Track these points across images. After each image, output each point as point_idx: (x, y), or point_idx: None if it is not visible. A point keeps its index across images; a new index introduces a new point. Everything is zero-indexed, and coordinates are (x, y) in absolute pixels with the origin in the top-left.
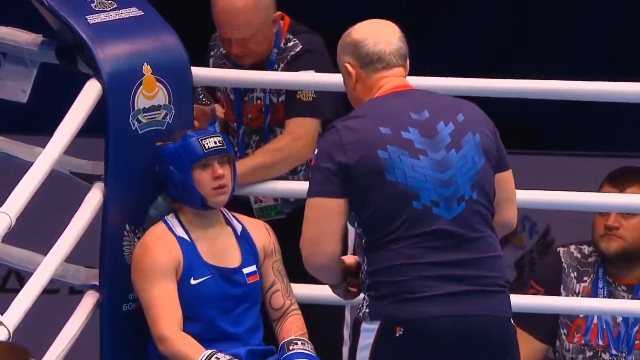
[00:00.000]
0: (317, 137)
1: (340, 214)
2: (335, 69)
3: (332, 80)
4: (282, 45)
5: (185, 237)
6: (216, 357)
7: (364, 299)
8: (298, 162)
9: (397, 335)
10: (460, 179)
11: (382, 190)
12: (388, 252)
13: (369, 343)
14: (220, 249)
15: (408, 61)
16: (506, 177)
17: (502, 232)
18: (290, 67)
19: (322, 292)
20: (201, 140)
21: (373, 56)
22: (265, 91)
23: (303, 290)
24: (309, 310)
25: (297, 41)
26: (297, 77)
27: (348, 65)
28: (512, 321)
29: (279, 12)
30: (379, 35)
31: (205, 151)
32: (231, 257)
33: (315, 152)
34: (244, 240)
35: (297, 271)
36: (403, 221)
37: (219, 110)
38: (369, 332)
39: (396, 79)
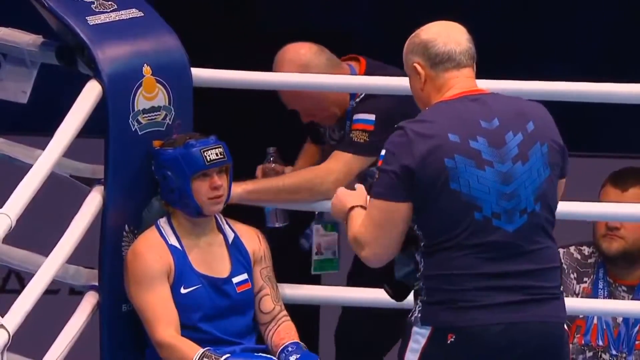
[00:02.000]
0: (354, 173)
1: (406, 218)
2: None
3: (337, 81)
4: (357, 99)
5: (177, 245)
6: (206, 356)
7: (416, 302)
8: (323, 197)
9: (449, 342)
10: (524, 192)
11: (444, 198)
12: (446, 260)
13: (418, 347)
14: (211, 257)
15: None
16: (560, 185)
17: None
18: (353, 110)
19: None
20: (203, 151)
21: (443, 55)
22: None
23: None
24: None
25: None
26: (304, 78)
27: (417, 66)
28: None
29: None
30: (449, 35)
31: (207, 163)
32: (221, 267)
33: (383, 152)
34: (235, 248)
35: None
36: (463, 230)
37: None
38: (419, 336)
39: (466, 80)
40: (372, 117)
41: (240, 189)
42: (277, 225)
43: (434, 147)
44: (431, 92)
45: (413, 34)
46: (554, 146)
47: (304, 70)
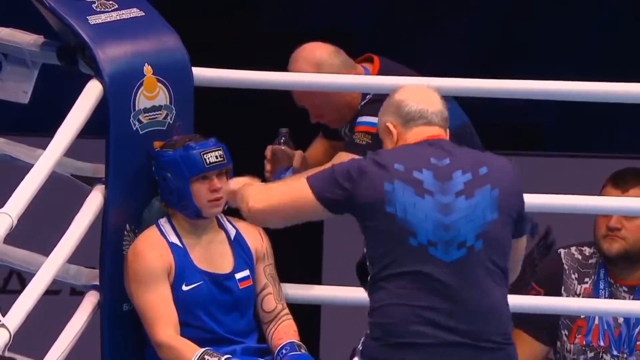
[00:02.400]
0: None
1: (313, 218)
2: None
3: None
4: (363, 102)
5: (178, 242)
6: (206, 358)
7: (365, 333)
8: None
9: None
10: (464, 226)
11: (381, 221)
12: (382, 291)
13: None
14: (213, 254)
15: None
16: (519, 243)
17: None
18: (358, 113)
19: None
20: (203, 154)
21: (415, 113)
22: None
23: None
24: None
25: (371, 95)
26: (307, 78)
27: (390, 125)
28: (512, 322)
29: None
30: (421, 96)
31: (207, 166)
32: (223, 263)
33: (345, 160)
34: (237, 244)
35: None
36: (398, 256)
37: (298, 161)
38: None
39: (433, 133)
40: (376, 119)
41: (233, 187)
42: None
43: (379, 173)
44: None
45: (388, 96)
46: (508, 197)
47: (317, 70)
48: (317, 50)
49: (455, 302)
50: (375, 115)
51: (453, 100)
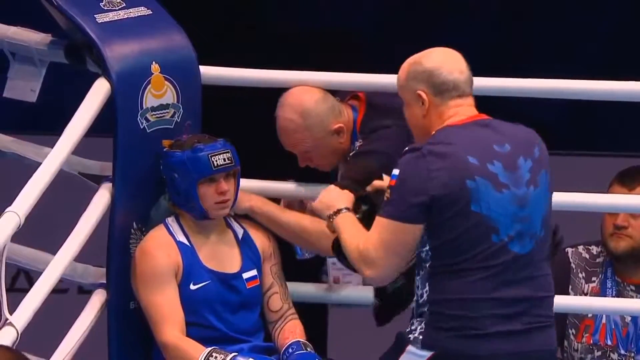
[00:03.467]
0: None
1: (417, 240)
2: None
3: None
4: (356, 143)
5: (185, 242)
6: (214, 355)
7: (417, 321)
8: (309, 249)
9: None
10: (535, 216)
11: (464, 219)
12: (456, 282)
13: None
14: (221, 253)
15: None
16: None
17: None
18: (347, 164)
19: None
20: (210, 156)
21: (449, 84)
22: None
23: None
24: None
25: (361, 142)
26: (311, 76)
27: (422, 93)
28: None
29: (339, 125)
30: (452, 63)
31: (214, 168)
32: (231, 262)
33: (396, 172)
34: (245, 244)
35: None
36: (479, 252)
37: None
38: (415, 356)
39: (469, 108)
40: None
41: (248, 204)
42: (306, 256)
43: (454, 168)
44: (434, 120)
45: (412, 61)
46: (551, 175)
47: (302, 118)
48: (304, 96)
49: (527, 290)
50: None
51: None
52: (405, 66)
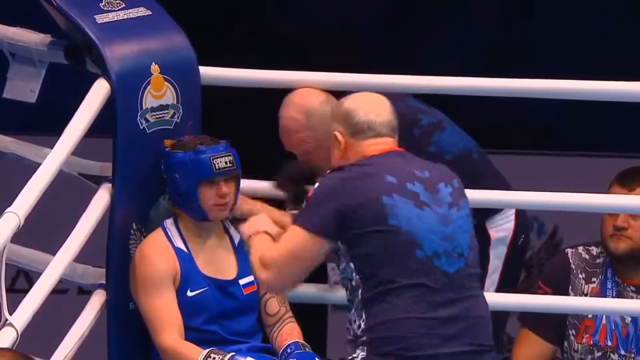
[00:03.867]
0: None
1: (320, 256)
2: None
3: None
4: None
5: (183, 248)
6: (212, 356)
7: (360, 348)
8: None
9: None
10: (461, 236)
11: (383, 234)
12: (389, 305)
13: None
14: (218, 259)
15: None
16: None
17: None
18: None
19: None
20: (212, 158)
21: (363, 125)
22: None
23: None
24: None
25: None
26: (312, 77)
27: (338, 134)
28: (520, 322)
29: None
30: (371, 106)
31: (215, 171)
32: (228, 269)
33: (316, 186)
34: (242, 250)
35: None
36: (404, 269)
37: None
38: None
39: (386, 145)
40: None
41: (246, 208)
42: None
43: (370, 184)
44: (352, 159)
45: (338, 102)
46: (470, 208)
47: (306, 118)
48: (308, 97)
49: (458, 311)
50: None
51: (454, 125)
52: (332, 107)
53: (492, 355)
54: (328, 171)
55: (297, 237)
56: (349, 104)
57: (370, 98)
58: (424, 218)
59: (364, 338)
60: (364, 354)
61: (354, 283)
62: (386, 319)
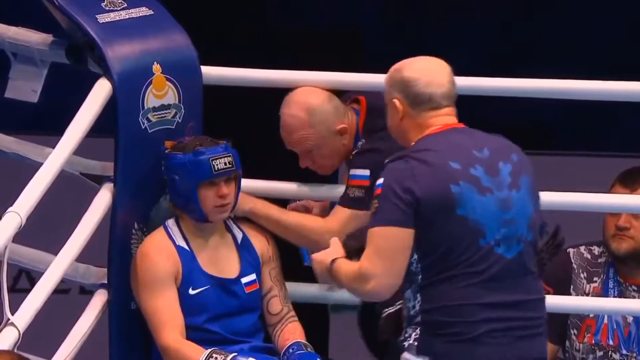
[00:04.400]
0: (353, 230)
1: (410, 246)
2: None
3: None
4: (359, 143)
5: (185, 246)
6: (214, 356)
7: (412, 329)
8: (312, 247)
9: None
10: (520, 219)
11: (450, 224)
12: (448, 290)
13: None
14: (220, 258)
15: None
16: None
17: None
18: (350, 164)
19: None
20: (212, 160)
21: (424, 97)
22: None
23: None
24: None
25: (364, 141)
26: (312, 76)
27: (396, 102)
28: None
29: (343, 125)
30: (431, 75)
31: (215, 172)
32: (230, 267)
33: (381, 180)
34: (244, 248)
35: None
36: (467, 258)
37: (317, 213)
38: None
39: (446, 117)
40: (367, 172)
41: (247, 207)
42: None
43: (437, 174)
44: (410, 128)
45: (396, 67)
46: (533, 180)
47: (309, 115)
48: (310, 95)
49: (517, 295)
50: (367, 167)
51: None
52: (390, 71)
53: (543, 339)
54: (387, 160)
55: (380, 237)
56: (408, 73)
57: (430, 65)
58: (486, 205)
59: (419, 319)
60: (417, 334)
61: (412, 268)
62: (442, 304)
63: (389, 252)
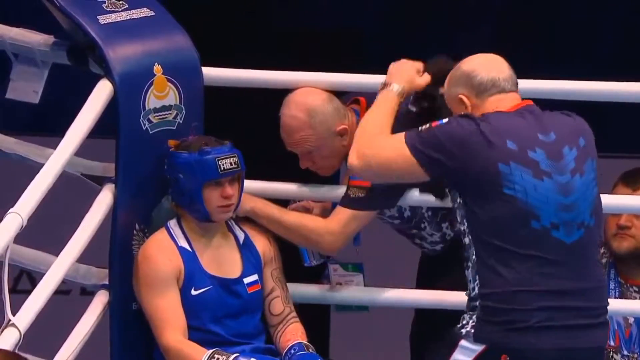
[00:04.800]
0: (354, 231)
1: (409, 181)
2: None
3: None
4: None
5: (187, 247)
6: (216, 357)
7: (469, 315)
8: (315, 249)
9: None
10: (582, 205)
11: (498, 201)
12: (502, 275)
13: None
14: (222, 258)
15: None
16: None
17: None
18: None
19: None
20: (218, 159)
21: (487, 83)
22: None
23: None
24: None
25: None
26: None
27: (463, 97)
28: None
29: (343, 126)
30: (490, 64)
31: (221, 172)
32: (232, 267)
33: (445, 121)
34: (246, 249)
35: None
36: (520, 238)
37: (318, 213)
38: (468, 350)
39: (514, 99)
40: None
41: (249, 206)
42: (314, 263)
43: (490, 149)
44: None
45: (454, 68)
46: (597, 163)
47: (309, 116)
48: (310, 96)
49: (576, 282)
50: None
51: None
52: (450, 74)
53: (605, 328)
54: (460, 113)
55: (402, 150)
56: (467, 67)
57: (486, 57)
58: (542, 189)
59: (476, 303)
60: (474, 321)
61: (466, 241)
62: (498, 290)
63: (393, 162)
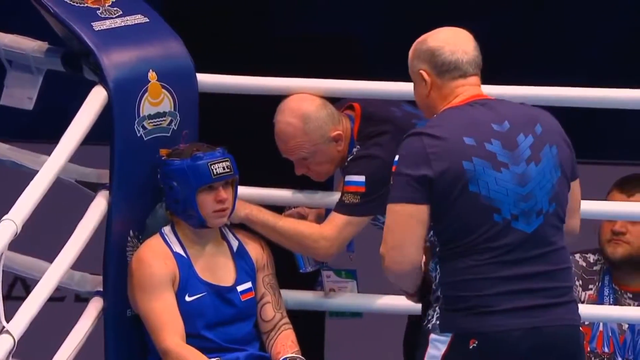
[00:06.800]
0: (349, 237)
1: (423, 221)
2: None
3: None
4: (354, 150)
5: (182, 253)
6: None
7: (432, 309)
8: (309, 255)
9: (471, 347)
10: (539, 193)
11: (463, 201)
12: (464, 265)
13: (438, 354)
14: (216, 266)
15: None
16: (575, 186)
17: (567, 239)
18: (344, 170)
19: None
20: (210, 164)
21: (450, 65)
22: None
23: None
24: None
25: (359, 148)
26: (310, 83)
27: (423, 73)
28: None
29: (338, 132)
30: (456, 43)
31: (214, 177)
32: (226, 275)
33: (397, 158)
34: (240, 256)
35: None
36: (482, 233)
37: (313, 220)
38: (438, 343)
39: (472, 87)
40: (362, 178)
41: (243, 213)
42: (309, 269)
43: (451, 150)
44: (437, 99)
45: (420, 39)
46: (563, 147)
47: (303, 122)
48: (304, 102)
49: (536, 266)
50: (362, 173)
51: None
52: (414, 44)
53: (571, 306)
54: (405, 135)
55: (395, 213)
56: (433, 42)
57: (454, 34)
58: (502, 181)
59: (438, 293)
60: (438, 312)
61: (431, 239)
62: (461, 278)
63: (400, 227)
